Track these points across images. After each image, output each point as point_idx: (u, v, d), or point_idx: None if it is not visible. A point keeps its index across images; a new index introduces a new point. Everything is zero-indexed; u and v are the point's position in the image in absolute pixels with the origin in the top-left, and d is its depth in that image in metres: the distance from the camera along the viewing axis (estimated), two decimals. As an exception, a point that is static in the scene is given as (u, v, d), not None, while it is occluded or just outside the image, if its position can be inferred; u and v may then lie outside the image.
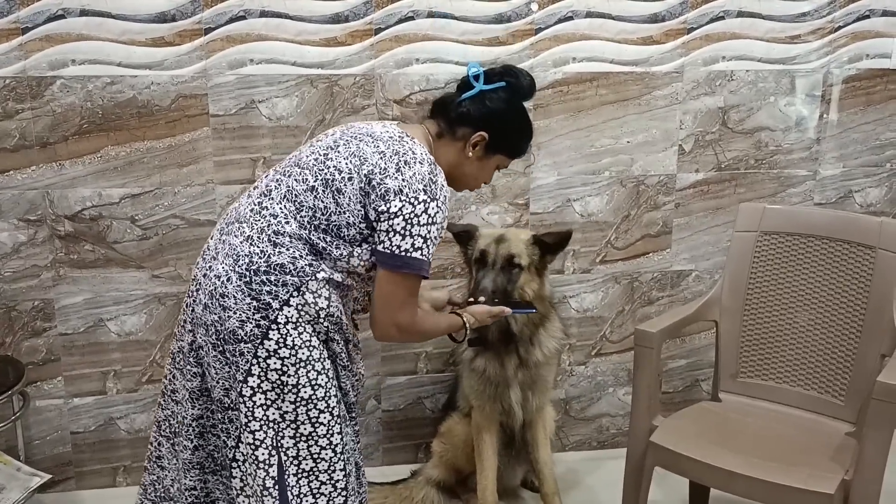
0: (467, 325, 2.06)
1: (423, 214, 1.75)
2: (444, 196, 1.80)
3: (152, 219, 2.64)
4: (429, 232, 1.76)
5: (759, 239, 2.52)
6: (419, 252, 1.75)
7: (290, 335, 1.75)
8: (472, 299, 2.21)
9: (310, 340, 1.77)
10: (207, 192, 2.64)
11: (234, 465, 1.85)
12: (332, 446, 1.81)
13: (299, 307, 1.75)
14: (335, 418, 1.81)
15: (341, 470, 1.83)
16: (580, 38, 2.71)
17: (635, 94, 2.79)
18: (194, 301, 1.83)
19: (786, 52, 2.83)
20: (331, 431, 1.80)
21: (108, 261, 2.64)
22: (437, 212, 1.77)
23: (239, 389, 1.77)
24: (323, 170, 1.80)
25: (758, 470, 2.07)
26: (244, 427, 1.78)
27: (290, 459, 1.79)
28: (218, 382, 1.81)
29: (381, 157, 1.78)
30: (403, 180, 1.75)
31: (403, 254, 1.75)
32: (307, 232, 1.77)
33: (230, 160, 2.63)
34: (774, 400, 2.47)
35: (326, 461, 1.81)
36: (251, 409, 1.77)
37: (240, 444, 1.83)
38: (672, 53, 2.77)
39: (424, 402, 2.95)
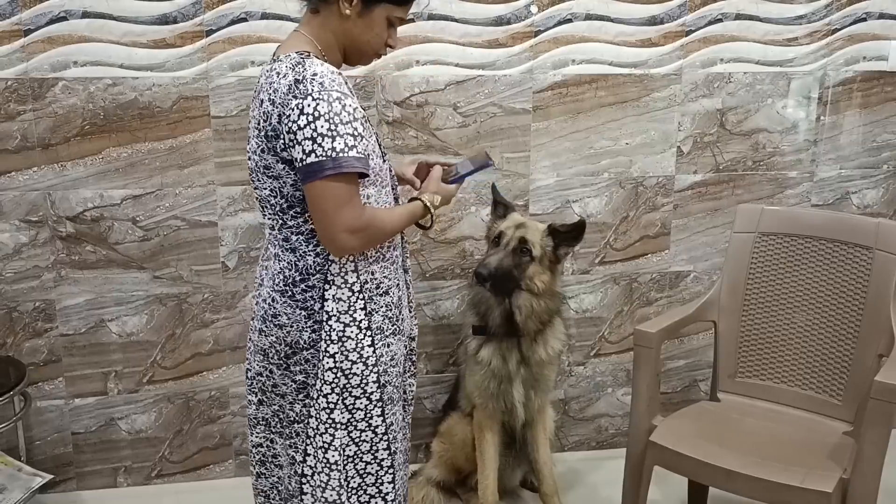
0: (431, 208, 1.86)
1: (301, 117, 1.61)
2: (320, 85, 1.63)
3: (153, 220, 2.65)
4: (314, 130, 1.61)
5: (757, 240, 2.53)
6: (313, 155, 1.61)
7: (335, 329, 1.76)
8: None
9: (349, 328, 1.77)
10: (208, 194, 2.65)
11: (304, 480, 1.84)
12: (372, 428, 1.82)
13: (336, 298, 1.76)
14: (373, 403, 1.81)
15: (385, 449, 1.85)
16: (579, 40, 2.73)
17: (634, 96, 2.80)
18: (251, 329, 1.87)
19: (783, 54, 2.85)
20: (369, 415, 1.81)
21: (109, 262, 2.65)
22: (317, 104, 1.61)
23: (308, 393, 1.79)
24: (253, 165, 1.78)
25: (756, 469, 2.09)
26: (315, 431, 1.80)
27: (335, 450, 1.82)
28: (283, 397, 1.83)
29: (259, 107, 1.71)
30: (276, 106, 1.65)
31: (300, 164, 1.63)
32: (297, 221, 1.75)
33: (231, 161, 2.64)
34: (773, 400, 2.49)
35: (367, 442, 1.83)
36: (318, 412, 1.79)
37: (307, 457, 1.83)
38: (670, 56, 2.79)
39: (424, 403, 2.96)
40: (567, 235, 2.40)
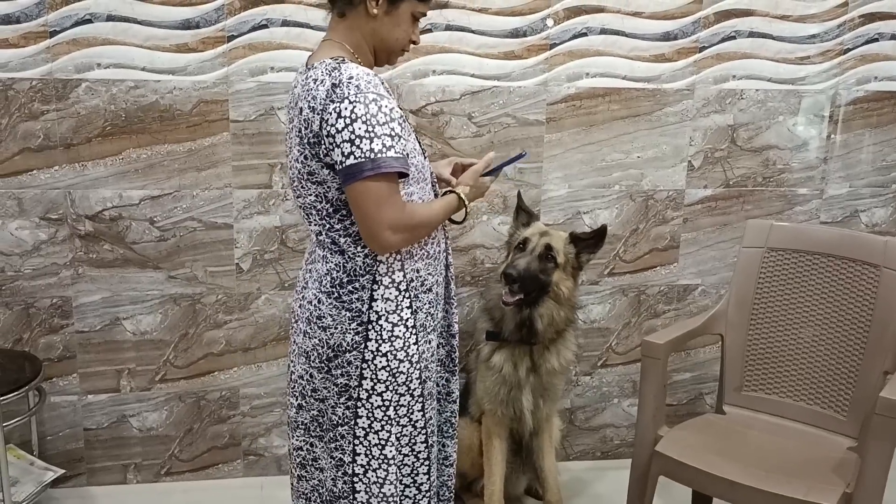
0: (465, 200, 1.91)
1: (339, 120, 1.66)
2: (356, 88, 1.67)
3: (170, 220, 2.69)
4: (352, 132, 1.65)
5: (765, 255, 2.56)
6: (352, 157, 1.65)
7: (385, 328, 1.80)
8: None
9: (397, 328, 1.81)
10: (225, 196, 2.70)
11: (356, 479, 1.87)
12: (413, 423, 1.88)
13: (384, 298, 1.80)
14: (415, 398, 1.87)
15: (423, 442, 1.90)
16: (594, 54, 2.76)
17: (646, 111, 2.84)
18: (294, 332, 1.90)
19: (795, 72, 2.88)
20: (411, 410, 1.87)
21: (126, 261, 2.69)
22: (354, 107, 1.65)
23: (357, 395, 1.82)
24: (295, 173, 1.80)
25: (760, 481, 2.11)
26: (368, 430, 1.84)
27: (392, 445, 1.87)
28: (324, 401, 1.86)
29: (299, 115, 1.74)
30: (316, 113, 1.69)
31: (340, 166, 1.68)
32: (344, 224, 1.78)
33: (248, 165, 2.68)
34: (778, 414, 2.51)
35: (407, 436, 1.88)
36: (372, 410, 1.82)
37: (357, 457, 1.86)
38: (683, 71, 2.82)
39: (432, 408, 2.99)
40: (588, 242, 2.45)
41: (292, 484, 2.02)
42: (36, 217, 2.62)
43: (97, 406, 2.79)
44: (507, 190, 2.82)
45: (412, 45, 1.89)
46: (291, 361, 1.93)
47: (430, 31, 2.66)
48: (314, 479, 1.94)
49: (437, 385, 2.02)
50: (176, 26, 2.55)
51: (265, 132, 2.66)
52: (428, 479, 1.94)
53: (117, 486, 2.86)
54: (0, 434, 2.33)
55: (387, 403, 1.83)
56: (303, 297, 1.88)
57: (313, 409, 1.89)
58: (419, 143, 1.89)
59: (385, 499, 1.87)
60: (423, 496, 1.95)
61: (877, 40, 2.89)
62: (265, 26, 2.59)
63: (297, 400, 1.92)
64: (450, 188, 1.93)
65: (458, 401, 2.08)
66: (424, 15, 1.87)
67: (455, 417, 2.08)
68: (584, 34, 2.75)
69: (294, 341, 1.91)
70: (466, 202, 1.90)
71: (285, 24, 2.60)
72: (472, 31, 2.69)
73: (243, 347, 2.82)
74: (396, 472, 1.87)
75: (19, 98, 2.53)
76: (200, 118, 2.63)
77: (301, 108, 1.74)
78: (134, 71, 2.56)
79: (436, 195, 1.93)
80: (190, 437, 2.87)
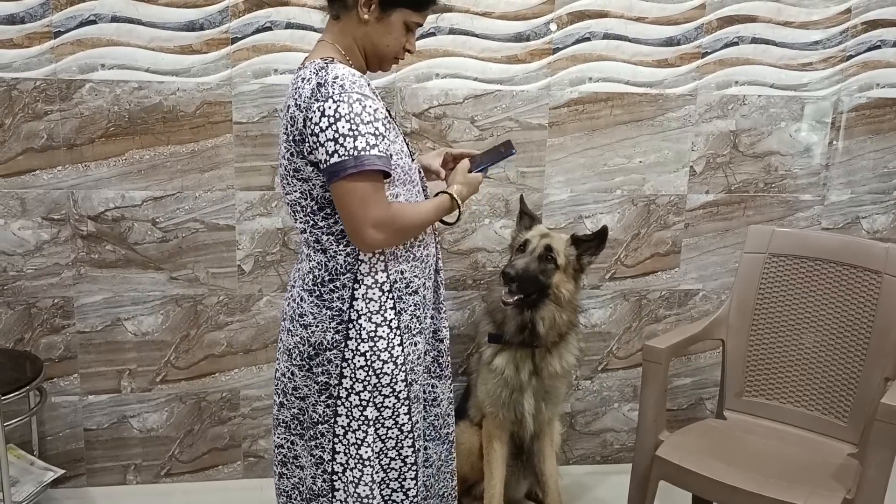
0: (459, 201, 1.89)
1: (323, 119, 1.67)
2: (341, 88, 1.68)
3: (173, 222, 2.69)
4: (336, 131, 1.66)
5: (767, 261, 2.56)
6: (336, 155, 1.66)
7: (365, 328, 1.80)
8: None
9: (380, 328, 1.82)
10: (227, 198, 2.70)
11: (336, 477, 1.88)
12: (399, 426, 1.88)
13: (366, 298, 1.80)
14: (401, 401, 1.87)
15: (410, 447, 1.90)
16: (597, 58, 2.77)
17: (649, 115, 2.84)
18: (281, 329, 1.92)
19: (797, 79, 2.89)
20: (396, 413, 1.86)
21: (128, 261, 2.69)
22: (338, 106, 1.67)
23: (336, 393, 1.83)
24: (282, 170, 1.83)
25: (760, 486, 2.11)
26: (346, 429, 1.84)
27: (368, 446, 1.87)
28: (304, 400, 1.87)
29: (285, 112, 1.76)
30: (301, 111, 1.71)
31: (324, 165, 1.69)
32: (328, 222, 1.80)
33: (251, 167, 2.68)
34: (779, 419, 2.51)
35: (393, 439, 1.88)
36: (350, 409, 1.83)
37: (336, 455, 1.87)
38: (686, 77, 2.83)
39: (432, 412, 2.99)
40: (590, 244, 2.44)
41: (275, 482, 2.04)
42: (38, 217, 2.62)
43: (98, 406, 2.79)
44: (509, 194, 2.83)
45: (407, 54, 1.88)
46: (277, 359, 1.96)
47: (433, 34, 2.66)
48: (295, 477, 1.96)
49: (423, 391, 2.01)
50: (180, 28, 2.55)
51: (268, 134, 2.66)
52: (415, 483, 1.93)
53: (117, 486, 2.85)
54: (1, 434, 2.33)
55: (364, 403, 1.83)
56: (290, 295, 1.90)
57: (294, 408, 1.90)
58: (407, 145, 1.90)
59: (360, 499, 1.87)
60: (411, 502, 1.95)
61: (879, 47, 2.90)
62: (269, 28, 2.60)
63: (279, 398, 1.94)
64: (442, 190, 1.91)
65: (442, 405, 2.06)
66: (420, 25, 1.86)
67: (438, 421, 2.06)
68: (588, 39, 2.75)
69: (280, 339, 1.93)
70: (460, 202, 1.89)
71: (289, 26, 2.60)
72: (476, 35, 2.69)
73: (244, 349, 2.82)
74: (371, 474, 1.87)
75: (23, 98, 2.53)
76: (204, 120, 2.63)
77: (288, 106, 1.76)
78: (138, 72, 2.57)
79: (426, 196, 1.92)
80: (190, 438, 2.87)
